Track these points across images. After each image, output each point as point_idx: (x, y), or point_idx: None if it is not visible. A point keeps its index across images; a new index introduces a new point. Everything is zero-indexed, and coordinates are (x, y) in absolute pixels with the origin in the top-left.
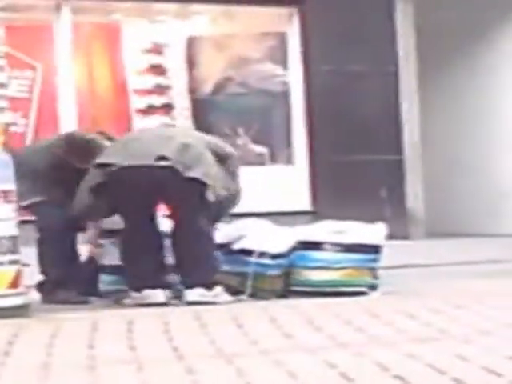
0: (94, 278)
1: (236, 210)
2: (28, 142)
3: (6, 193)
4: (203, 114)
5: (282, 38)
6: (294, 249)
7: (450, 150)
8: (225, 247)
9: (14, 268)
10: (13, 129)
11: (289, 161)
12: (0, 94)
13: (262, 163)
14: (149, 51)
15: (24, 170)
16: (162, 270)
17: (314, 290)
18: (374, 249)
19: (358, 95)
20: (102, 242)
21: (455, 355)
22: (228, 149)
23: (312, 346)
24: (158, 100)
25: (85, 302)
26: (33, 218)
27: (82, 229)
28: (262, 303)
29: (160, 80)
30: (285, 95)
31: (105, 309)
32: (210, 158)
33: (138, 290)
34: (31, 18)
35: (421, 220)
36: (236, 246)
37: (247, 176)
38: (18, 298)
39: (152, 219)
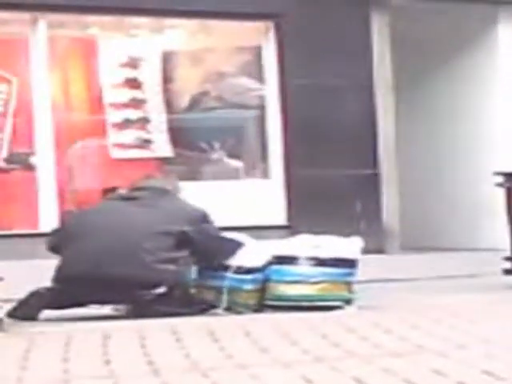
0: None
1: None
2: (3, 155)
3: None
4: (179, 128)
5: (257, 52)
6: (269, 263)
7: (426, 164)
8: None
9: None
10: None
11: (264, 175)
12: None
13: (237, 177)
14: (124, 65)
15: None
16: None
17: (289, 305)
18: (350, 263)
19: (333, 109)
20: None
21: (431, 370)
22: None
23: (288, 360)
24: (133, 114)
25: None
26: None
27: None
28: (238, 317)
29: (136, 94)
30: (260, 109)
31: (79, 322)
32: None
33: None
34: (7, 32)
35: (396, 234)
36: None
37: (223, 190)
38: None
39: None
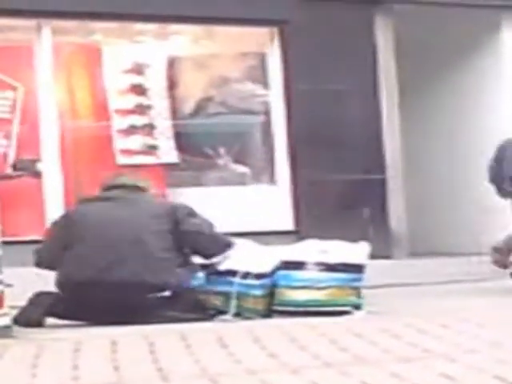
0: None
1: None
2: (9, 162)
3: None
4: (184, 133)
5: (262, 58)
6: (277, 268)
7: (432, 169)
8: (209, 267)
9: None
10: None
11: (271, 180)
12: None
13: (243, 183)
14: (129, 71)
15: None
16: None
17: (297, 310)
18: (357, 268)
19: (339, 114)
20: None
21: (440, 374)
22: None
23: (296, 365)
24: (139, 120)
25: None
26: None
27: None
28: (246, 323)
29: (141, 100)
30: (266, 115)
31: (87, 328)
32: None
33: None
34: (11, 39)
35: (403, 239)
36: (221, 267)
37: (229, 196)
38: (2, 318)
39: None
